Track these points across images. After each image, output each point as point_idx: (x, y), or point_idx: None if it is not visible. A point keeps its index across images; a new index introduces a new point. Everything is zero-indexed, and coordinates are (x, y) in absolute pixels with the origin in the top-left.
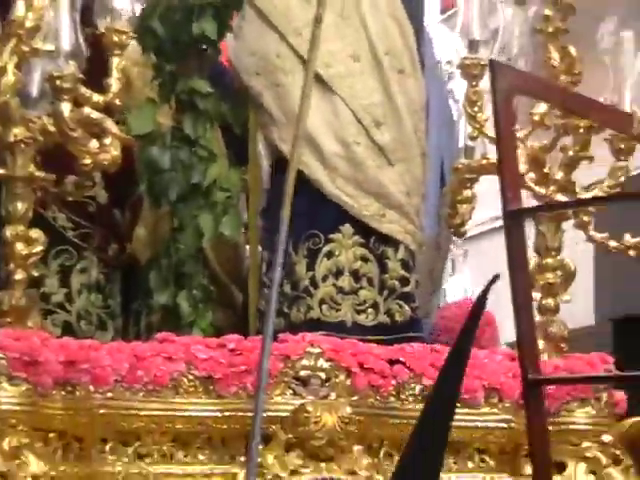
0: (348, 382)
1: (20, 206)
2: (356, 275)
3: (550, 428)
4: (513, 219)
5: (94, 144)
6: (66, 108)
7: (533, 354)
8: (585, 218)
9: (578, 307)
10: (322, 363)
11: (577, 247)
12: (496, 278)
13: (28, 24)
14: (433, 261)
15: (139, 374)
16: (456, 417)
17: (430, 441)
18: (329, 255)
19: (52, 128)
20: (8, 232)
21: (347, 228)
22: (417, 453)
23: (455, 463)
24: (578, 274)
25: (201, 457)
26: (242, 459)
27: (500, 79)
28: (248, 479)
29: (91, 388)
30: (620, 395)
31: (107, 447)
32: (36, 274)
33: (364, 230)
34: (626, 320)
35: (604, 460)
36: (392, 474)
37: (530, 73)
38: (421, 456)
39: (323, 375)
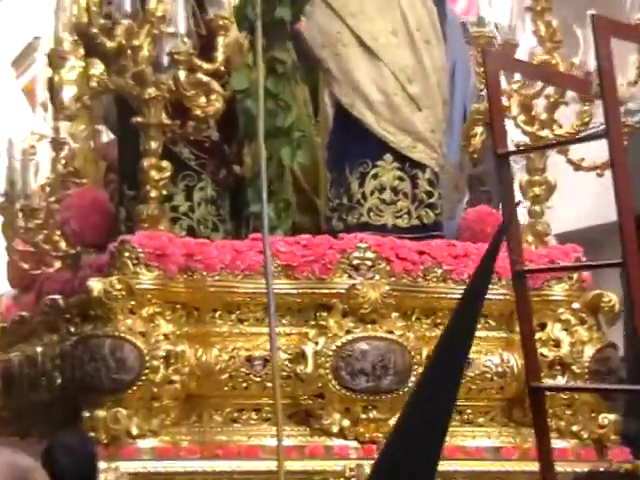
0: (388, 268)
1: (153, 144)
2: (395, 190)
3: (535, 299)
4: (501, 159)
5: (203, 100)
6: (182, 74)
7: (519, 249)
8: None
9: (601, 203)
10: (369, 254)
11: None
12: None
13: (158, 14)
14: (457, 178)
15: (238, 263)
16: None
17: (446, 374)
18: (375, 176)
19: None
20: (145, 163)
21: (388, 157)
22: (432, 384)
23: None
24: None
25: (284, 322)
26: (312, 323)
27: (489, 61)
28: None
29: (204, 273)
30: (587, 275)
31: (217, 314)
32: (166, 193)
33: (400, 158)
34: None
35: (573, 321)
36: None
37: (511, 55)
38: (436, 388)
39: (369, 263)
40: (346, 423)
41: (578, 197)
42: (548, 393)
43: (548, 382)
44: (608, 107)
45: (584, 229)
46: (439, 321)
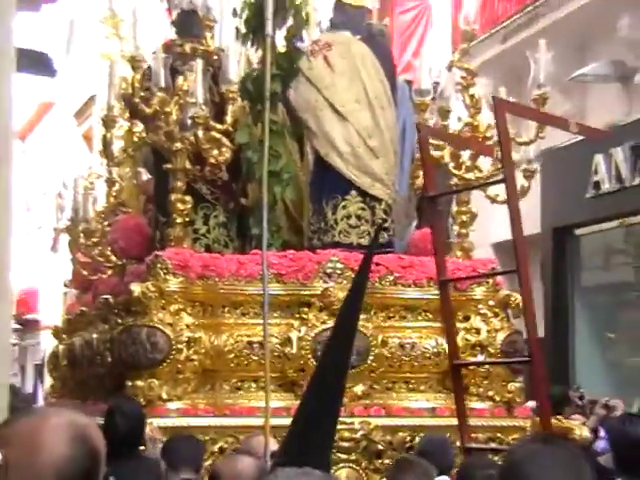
0: (352, 275)
1: (179, 183)
2: (358, 217)
3: (463, 298)
4: (431, 200)
5: (215, 151)
6: (200, 133)
7: (444, 265)
8: None
9: (527, 217)
10: (338, 265)
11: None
12: (379, 228)
13: (184, 88)
14: (407, 207)
15: (241, 272)
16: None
17: (339, 355)
18: (344, 207)
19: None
20: (173, 197)
21: (353, 192)
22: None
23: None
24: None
25: (275, 315)
26: (296, 316)
27: (422, 132)
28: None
29: (216, 279)
30: (500, 279)
31: (225, 310)
32: (188, 219)
33: (363, 193)
34: (563, 228)
35: (489, 314)
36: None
37: (438, 128)
38: (332, 363)
39: (339, 271)
40: None
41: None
42: (471, 368)
43: (469, 359)
44: (505, 164)
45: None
46: (391, 315)
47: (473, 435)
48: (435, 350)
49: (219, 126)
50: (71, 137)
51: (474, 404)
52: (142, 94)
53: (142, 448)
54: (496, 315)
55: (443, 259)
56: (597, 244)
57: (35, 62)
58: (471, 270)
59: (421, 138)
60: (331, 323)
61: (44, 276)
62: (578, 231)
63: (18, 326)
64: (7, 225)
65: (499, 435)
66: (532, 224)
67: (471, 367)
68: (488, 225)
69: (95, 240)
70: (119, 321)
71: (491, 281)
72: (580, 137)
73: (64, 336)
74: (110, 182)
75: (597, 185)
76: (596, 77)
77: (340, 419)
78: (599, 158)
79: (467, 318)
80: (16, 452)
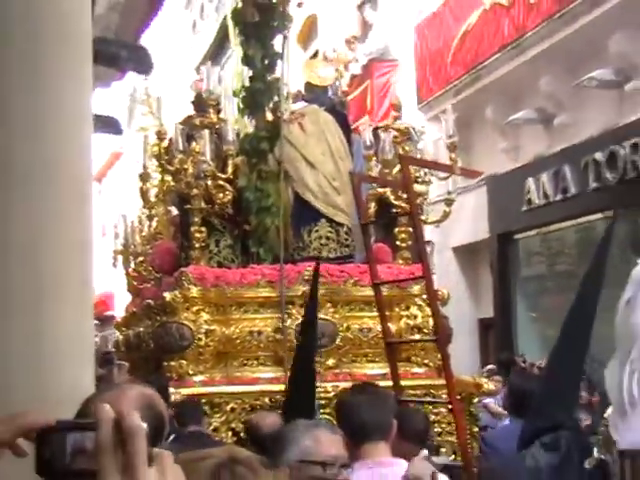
0: (324, 280)
1: (196, 218)
2: (327, 238)
3: (405, 292)
4: (364, 227)
5: (221, 195)
6: (209, 182)
7: (375, 272)
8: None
9: (479, 226)
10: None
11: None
12: (318, 264)
13: (197, 149)
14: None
15: (244, 280)
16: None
17: (308, 340)
18: (316, 231)
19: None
20: (192, 228)
21: (323, 220)
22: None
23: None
24: (479, 204)
25: (269, 310)
26: (285, 310)
27: (356, 180)
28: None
29: (225, 286)
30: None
31: (232, 309)
32: (204, 244)
33: (330, 220)
34: (505, 234)
35: (423, 304)
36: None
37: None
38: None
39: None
40: None
41: (465, 224)
42: (412, 344)
43: (410, 337)
44: (411, 202)
45: (468, 243)
46: (352, 308)
47: (412, 392)
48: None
49: (223, 175)
50: (134, 180)
51: (414, 369)
52: (166, 157)
53: None
54: (428, 305)
55: (375, 268)
56: (530, 246)
57: (107, 124)
58: (409, 273)
59: (353, 184)
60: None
61: (116, 283)
62: (516, 236)
63: (97, 322)
64: (89, 250)
65: (432, 391)
66: (483, 232)
67: (411, 343)
68: (449, 233)
69: (141, 259)
70: (157, 319)
71: (423, 282)
72: (517, 165)
73: (123, 329)
74: (149, 218)
75: (529, 201)
76: (525, 121)
77: (318, 384)
78: (530, 181)
79: (407, 307)
80: None
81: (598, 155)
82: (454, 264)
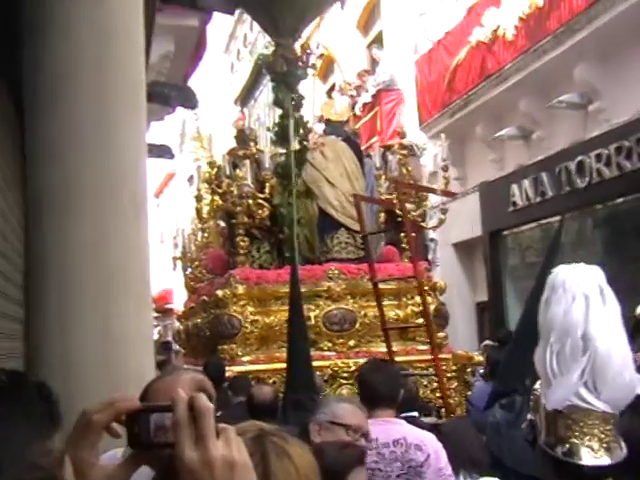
0: (344, 277)
1: (240, 230)
2: (346, 243)
3: (411, 285)
4: (364, 237)
5: (260, 211)
6: (250, 201)
7: (374, 270)
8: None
9: (474, 225)
10: (336, 271)
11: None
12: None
13: (240, 175)
14: (376, 235)
15: (280, 279)
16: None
17: (298, 326)
18: (337, 237)
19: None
20: (237, 238)
21: (342, 229)
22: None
23: None
24: (473, 207)
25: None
26: (313, 303)
27: (356, 201)
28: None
29: (265, 284)
30: (431, 273)
31: (271, 302)
32: (248, 250)
33: (348, 229)
34: (496, 231)
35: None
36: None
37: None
38: (297, 332)
39: (336, 275)
40: (329, 344)
41: (462, 224)
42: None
43: (414, 322)
44: (405, 220)
45: (465, 239)
46: (369, 299)
47: (418, 364)
48: (395, 318)
49: (261, 195)
50: (186, 196)
51: (420, 347)
52: (216, 182)
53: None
54: (429, 295)
55: (374, 269)
56: (517, 240)
57: (162, 151)
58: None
59: (355, 203)
60: (333, 306)
61: (174, 281)
62: (504, 233)
63: (159, 314)
64: (147, 256)
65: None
66: (477, 230)
67: (409, 328)
68: (449, 231)
69: (197, 263)
70: (211, 312)
71: (426, 275)
72: (503, 174)
73: (183, 320)
74: (202, 230)
75: (514, 203)
76: (508, 136)
77: (342, 361)
78: (514, 187)
79: (412, 297)
80: (162, 399)
81: (569, 164)
82: (454, 257)
